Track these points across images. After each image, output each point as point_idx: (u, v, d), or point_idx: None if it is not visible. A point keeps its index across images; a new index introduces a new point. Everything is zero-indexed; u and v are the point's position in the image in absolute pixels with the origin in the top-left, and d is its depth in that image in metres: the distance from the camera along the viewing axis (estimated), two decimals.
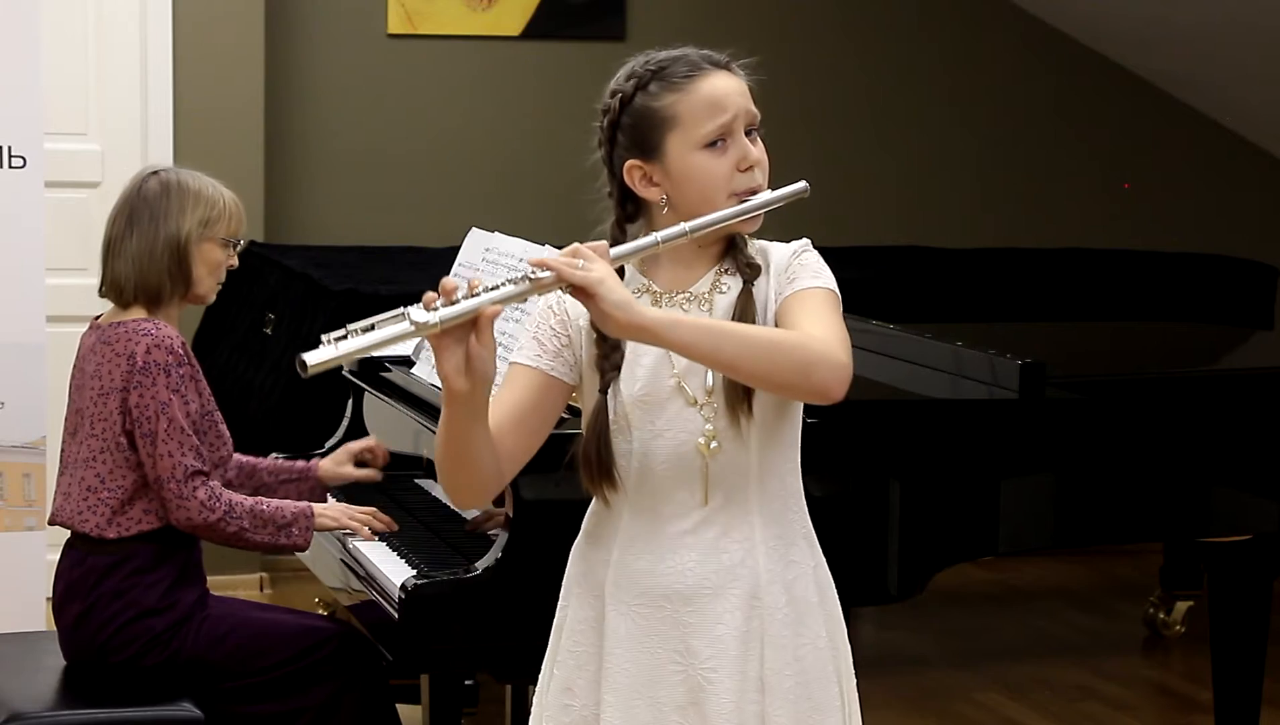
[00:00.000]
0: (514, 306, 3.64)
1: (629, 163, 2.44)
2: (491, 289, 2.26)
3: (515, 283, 2.26)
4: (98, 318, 3.75)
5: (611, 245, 2.44)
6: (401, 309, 2.23)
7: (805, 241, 2.49)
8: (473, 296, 2.24)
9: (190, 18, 5.88)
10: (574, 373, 2.46)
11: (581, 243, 2.30)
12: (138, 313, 3.66)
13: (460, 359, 2.26)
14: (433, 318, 2.22)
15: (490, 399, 2.35)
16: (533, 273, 2.27)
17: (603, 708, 2.45)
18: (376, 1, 6.30)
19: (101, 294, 3.75)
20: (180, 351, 3.59)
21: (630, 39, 6.46)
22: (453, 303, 2.24)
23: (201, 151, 5.82)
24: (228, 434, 3.72)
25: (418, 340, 3.66)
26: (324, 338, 2.21)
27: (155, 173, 3.72)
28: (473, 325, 2.25)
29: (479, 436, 2.33)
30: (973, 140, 6.87)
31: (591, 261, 2.27)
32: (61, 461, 3.72)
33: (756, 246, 2.49)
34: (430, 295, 2.24)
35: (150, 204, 3.68)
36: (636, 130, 2.43)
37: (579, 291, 2.26)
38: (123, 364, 3.57)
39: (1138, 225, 6.92)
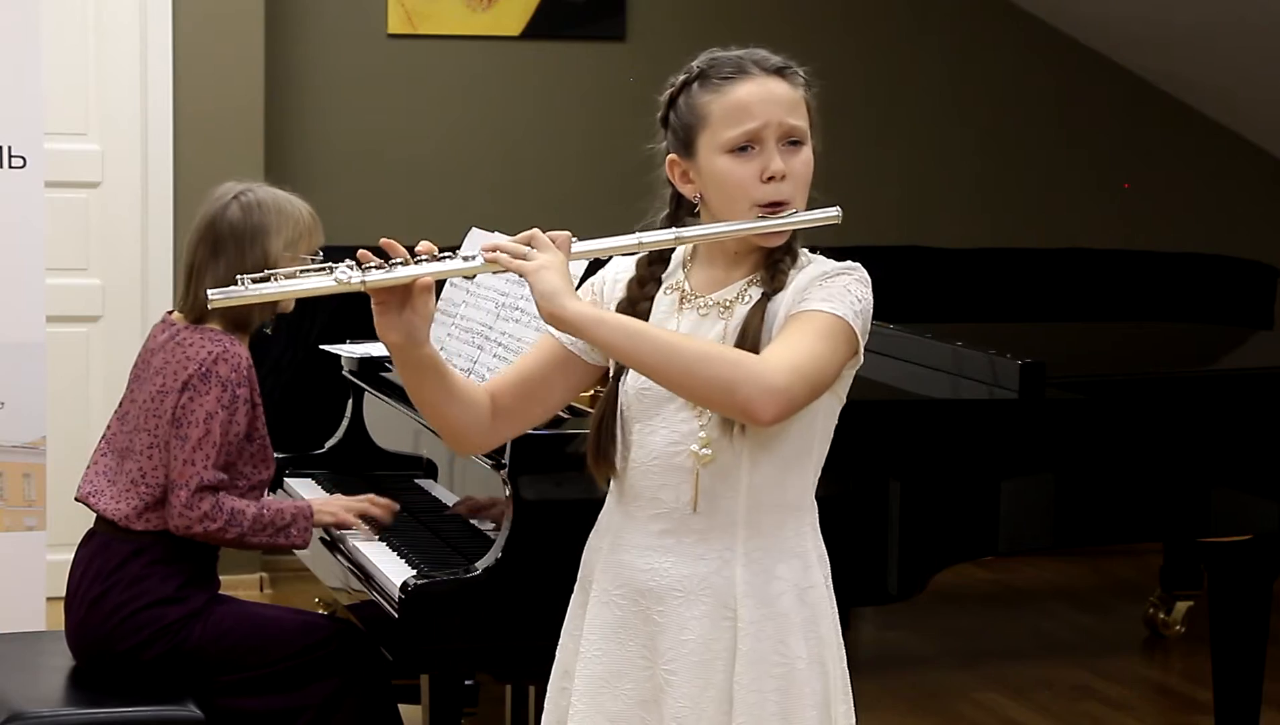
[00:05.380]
0: (513, 307, 3.65)
1: (670, 157, 2.46)
2: (436, 260, 2.29)
3: (464, 260, 2.30)
4: (171, 312, 3.73)
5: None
6: (329, 264, 2.26)
7: (851, 264, 2.43)
8: (414, 263, 2.28)
9: (190, 18, 5.88)
10: (595, 352, 2.46)
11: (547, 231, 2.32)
12: (216, 325, 3.64)
13: (393, 319, 2.30)
14: (356, 277, 2.25)
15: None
16: (478, 254, 2.29)
17: (574, 693, 2.47)
18: (376, 1, 6.30)
19: (180, 311, 3.70)
20: (245, 372, 3.59)
21: (630, 39, 6.46)
22: (391, 266, 2.26)
23: (201, 151, 5.82)
24: (273, 458, 3.72)
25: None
26: (240, 277, 2.25)
27: (236, 196, 3.67)
28: (409, 291, 2.28)
29: (431, 389, 2.37)
30: (973, 140, 6.87)
31: (542, 249, 2.30)
32: (105, 439, 3.73)
33: (804, 261, 2.45)
34: (365, 253, 2.27)
35: (236, 232, 3.63)
36: (677, 127, 2.44)
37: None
38: (189, 367, 3.58)
39: (1138, 225, 6.92)
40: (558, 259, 2.29)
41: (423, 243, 2.31)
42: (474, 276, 2.38)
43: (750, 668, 2.41)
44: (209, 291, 2.24)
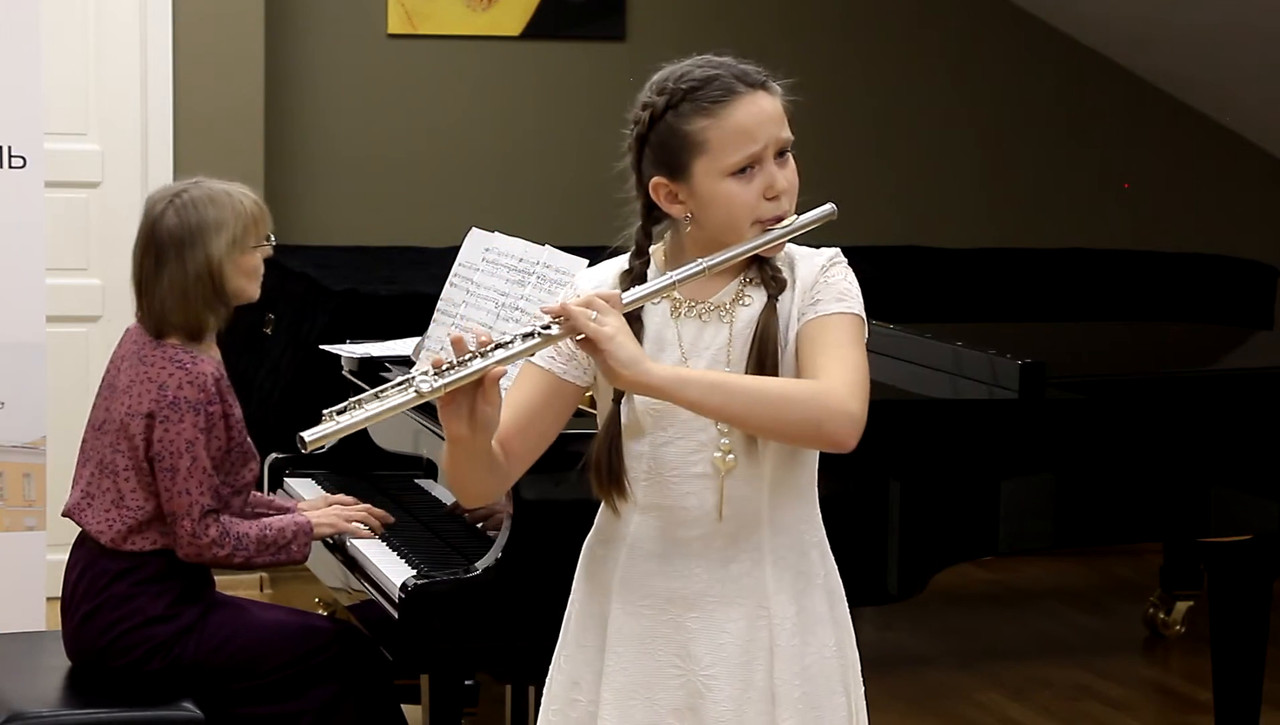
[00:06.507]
0: (513, 307, 3.65)
1: (655, 180, 2.41)
2: (500, 346, 2.26)
3: (524, 338, 2.27)
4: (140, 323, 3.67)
5: (636, 253, 2.45)
6: (407, 377, 2.24)
7: (835, 251, 2.46)
8: (480, 356, 2.25)
9: (190, 18, 5.88)
10: (587, 376, 2.45)
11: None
12: (176, 340, 3.60)
13: (465, 412, 2.27)
14: (438, 384, 2.22)
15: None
16: (542, 327, 2.28)
17: (601, 705, 2.45)
18: (376, 1, 6.30)
19: (141, 322, 3.65)
20: (212, 389, 3.54)
21: (630, 39, 6.46)
22: (461, 363, 2.24)
23: (201, 151, 5.82)
24: (255, 455, 3.69)
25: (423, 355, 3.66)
26: (325, 412, 2.21)
27: (170, 201, 3.60)
28: (478, 384, 2.26)
29: (481, 463, 2.34)
30: (973, 140, 6.87)
31: (605, 314, 2.27)
32: (83, 451, 3.69)
33: (784, 254, 2.46)
34: (439, 358, 2.24)
35: (174, 237, 3.56)
36: (664, 149, 2.40)
37: (587, 343, 2.27)
38: (153, 391, 3.53)
39: (1138, 225, 6.92)
40: (623, 322, 2.28)
41: (481, 335, 2.28)
42: (534, 353, 2.34)
43: (788, 663, 2.42)
44: (304, 437, 2.19)
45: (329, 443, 2.23)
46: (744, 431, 2.37)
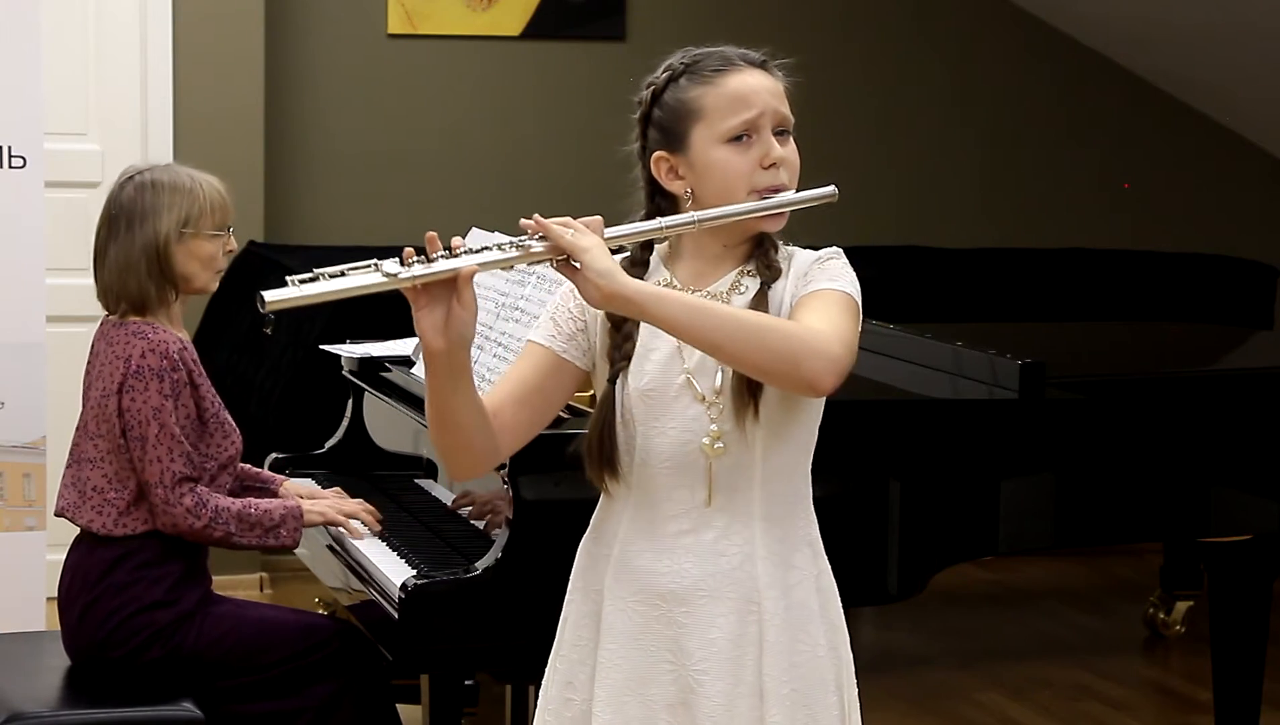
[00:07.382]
0: (513, 307, 3.65)
1: (656, 154, 2.44)
2: (476, 251, 2.25)
3: (501, 248, 2.26)
4: (109, 315, 3.72)
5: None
6: (375, 261, 2.22)
7: (835, 249, 2.46)
8: (454, 257, 2.24)
9: (190, 18, 5.88)
10: (586, 358, 2.46)
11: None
12: (134, 317, 3.63)
13: (439, 318, 2.25)
14: (405, 272, 2.21)
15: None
16: (521, 240, 2.27)
17: (595, 702, 2.45)
18: (376, 1, 6.30)
19: (98, 297, 3.71)
20: (175, 357, 3.56)
21: (630, 39, 6.46)
22: (432, 260, 2.23)
23: (201, 151, 5.81)
24: (235, 430, 3.69)
25: (416, 341, 3.66)
26: (290, 279, 2.20)
27: (131, 177, 3.66)
28: (452, 284, 2.24)
29: (463, 400, 2.32)
30: (973, 140, 6.87)
31: (583, 233, 2.27)
32: (71, 453, 3.71)
33: (785, 252, 2.47)
34: (409, 250, 2.23)
35: (127, 210, 3.63)
36: (665, 122, 2.43)
37: (566, 266, 2.27)
38: (120, 367, 3.56)
39: (1138, 225, 6.92)
40: (601, 241, 2.28)
41: (455, 238, 2.28)
42: (511, 267, 2.33)
43: (778, 659, 2.41)
44: (264, 295, 2.19)
45: (286, 307, 2.19)
46: (720, 360, 2.34)
